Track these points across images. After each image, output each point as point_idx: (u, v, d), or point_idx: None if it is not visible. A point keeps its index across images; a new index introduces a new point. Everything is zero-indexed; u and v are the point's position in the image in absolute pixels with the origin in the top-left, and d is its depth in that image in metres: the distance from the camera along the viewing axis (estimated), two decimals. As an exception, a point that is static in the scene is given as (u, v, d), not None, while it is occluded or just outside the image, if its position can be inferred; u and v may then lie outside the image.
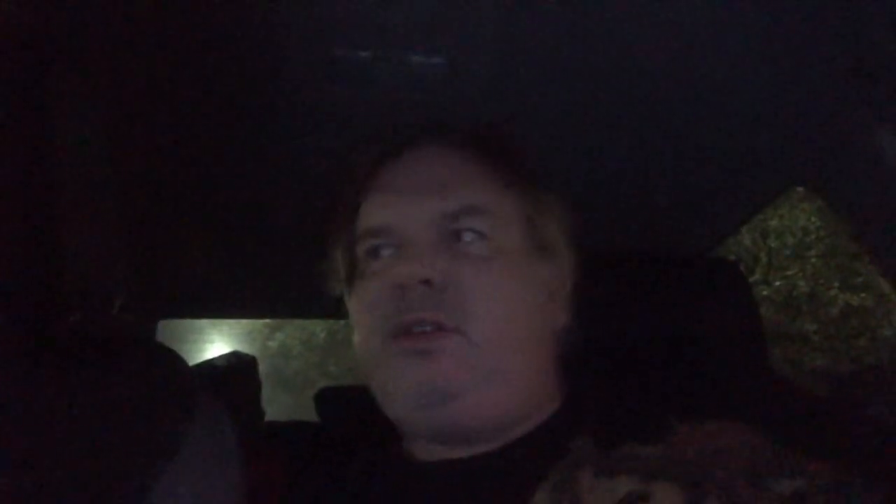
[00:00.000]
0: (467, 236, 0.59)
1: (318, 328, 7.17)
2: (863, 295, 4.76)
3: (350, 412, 1.38)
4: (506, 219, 0.61)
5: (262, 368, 1.39)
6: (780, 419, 0.54)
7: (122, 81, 0.80)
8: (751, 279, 5.05)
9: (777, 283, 5.22)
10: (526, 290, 0.60)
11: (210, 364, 1.29)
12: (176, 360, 0.60)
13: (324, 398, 1.44)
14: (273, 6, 0.70)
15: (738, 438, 0.51)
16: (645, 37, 0.73)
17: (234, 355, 1.36)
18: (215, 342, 5.66)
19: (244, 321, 5.73)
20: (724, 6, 0.69)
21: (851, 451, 0.51)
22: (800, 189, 1.14)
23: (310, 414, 1.47)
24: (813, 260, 5.15)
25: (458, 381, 0.55)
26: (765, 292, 5.11)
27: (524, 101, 0.86)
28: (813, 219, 4.94)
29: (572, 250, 0.66)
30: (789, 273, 5.22)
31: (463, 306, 0.56)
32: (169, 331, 1.82)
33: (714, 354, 0.89)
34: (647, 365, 0.79)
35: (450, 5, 0.69)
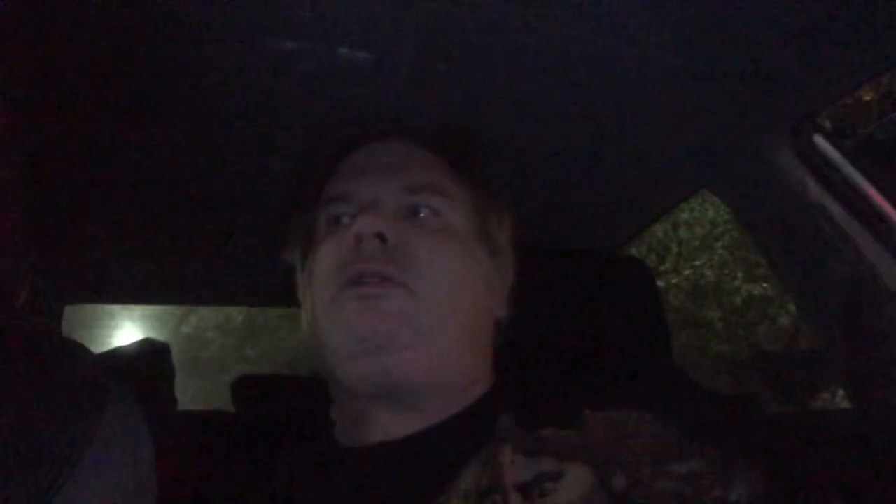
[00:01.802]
0: (423, 212, 0.65)
1: (234, 312, 7.00)
2: (764, 285, 5.02)
3: (268, 402, 1.37)
4: (459, 205, 0.67)
5: (176, 354, 1.35)
6: (677, 409, 0.59)
7: (29, 64, 0.76)
8: (662, 268, 5.26)
9: (686, 273, 5.44)
10: (471, 270, 0.65)
11: (120, 352, 1.25)
12: (83, 352, 0.58)
13: (240, 387, 1.42)
14: None
15: (643, 426, 0.56)
16: (561, 38, 0.76)
17: (146, 342, 1.32)
18: (125, 327, 5.45)
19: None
20: (637, 16, 0.72)
21: (736, 436, 0.56)
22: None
23: (226, 399, 1.45)
24: (720, 251, 5.39)
25: (399, 331, 0.59)
26: (674, 281, 5.33)
27: (445, 96, 0.87)
28: (721, 212, 5.16)
29: (514, 253, 0.72)
30: (697, 263, 5.45)
31: (413, 266, 0.61)
32: (76, 316, 1.74)
33: (622, 347, 0.94)
34: (562, 356, 0.82)
35: (379, 1, 0.69)
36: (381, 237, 0.61)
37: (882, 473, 0.68)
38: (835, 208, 0.84)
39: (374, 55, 0.77)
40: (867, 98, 3.96)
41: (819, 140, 0.87)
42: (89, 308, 1.98)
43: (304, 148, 0.72)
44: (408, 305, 0.59)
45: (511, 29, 0.74)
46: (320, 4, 0.69)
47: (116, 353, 1.24)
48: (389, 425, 0.61)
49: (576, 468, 0.51)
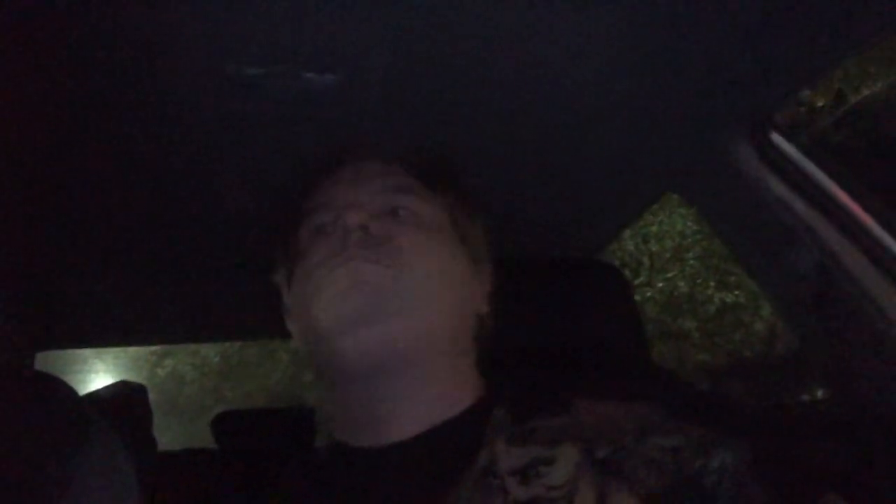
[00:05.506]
0: (402, 212, 0.70)
1: (211, 352, 6.90)
2: (736, 293, 5.08)
3: (249, 436, 1.35)
4: (434, 210, 0.72)
5: (153, 397, 1.33)
6: (660, 396, 0.61)
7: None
8: (636, 282, 5.31)
9: (660, 285, 5.50)
10: (448, 261, 0.70)
11: (96, 395, 1.22)
12: (62, 387, 0.57)
13: (221, 423, 1.40)
14: (164, 20, 0.68)
15: (630, 410, 0.59)
16: (523, 51, 0.77)
17: (122, 384, 1.29)
18: (100, 372, 5.34)
19: (131, 348, 5.44)
20: (597, 25, 0.74)
21: (717, 419, 0.59)
22: (675, 196, 1.24)
23: (206, 443, 1.42)
24: (691, 262, 5.46)
25: (389, 301, 0.62)
26: (649, 294, 5.38)
27: (414, 115, 0.88)
28: (689, 223, 5.24)
29: (490, 256, 0.76)
30: (670, 275, 5.51)
31: (395, 253, 0.65)
32: (48, 362, 1.71)
33: (602, 348, 0.95)
34: (547, 357, 0.83)
35: (343, 24, 0.70)
36: (364, 229, 0.65)
37: (867, 459, 0.70)
38: (796, 202, 0.87)
39: (340, 77, 0.78)
40: (820, 104, 4.08)
41: (777, 137, 0.90)
42: (59, 353, 1.94)
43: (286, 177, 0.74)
44: (394, 282, 0.63)
45: (476, 46, 0.75)
46: (282, 28, 0.70)
47: (92, 396, 1.22)
48: (391, 422, 0.63)
49: (565, 448, 0.54)
